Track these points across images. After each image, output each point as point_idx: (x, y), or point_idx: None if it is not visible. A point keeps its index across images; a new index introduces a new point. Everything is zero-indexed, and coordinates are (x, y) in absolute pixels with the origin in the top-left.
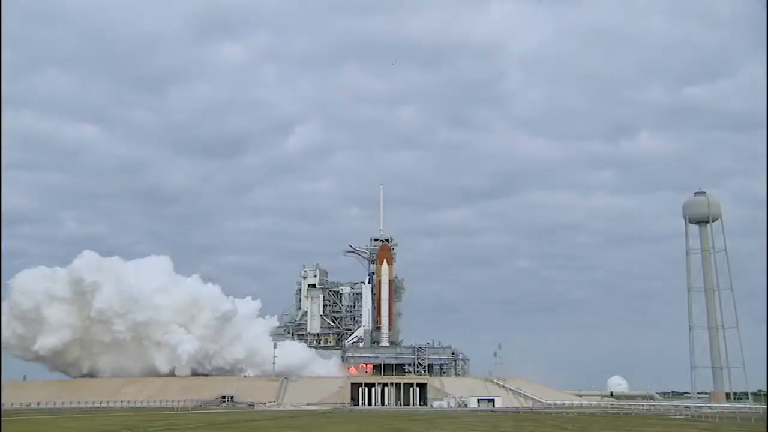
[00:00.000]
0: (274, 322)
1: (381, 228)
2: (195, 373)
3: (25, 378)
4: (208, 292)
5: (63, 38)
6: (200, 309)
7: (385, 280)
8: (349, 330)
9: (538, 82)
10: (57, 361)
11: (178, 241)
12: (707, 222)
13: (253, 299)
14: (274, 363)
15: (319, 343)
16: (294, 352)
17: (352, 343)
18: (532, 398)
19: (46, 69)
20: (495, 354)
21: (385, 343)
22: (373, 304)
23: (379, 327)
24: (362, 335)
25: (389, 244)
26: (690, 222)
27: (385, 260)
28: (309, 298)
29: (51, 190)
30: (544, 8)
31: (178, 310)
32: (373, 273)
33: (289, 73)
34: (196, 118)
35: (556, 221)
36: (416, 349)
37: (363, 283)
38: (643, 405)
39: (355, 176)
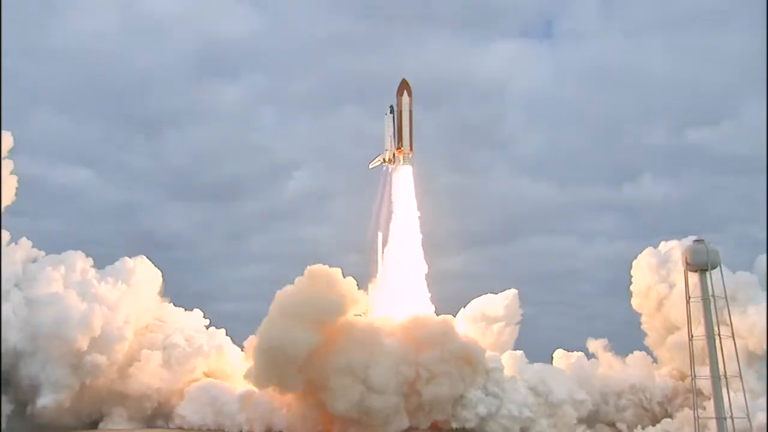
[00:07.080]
0: None
1: (377, 275)
2: None
3: None
4: None
5: (55, 78)
6: None
7: (405, 108)
8: None
9: (539, 124)
10: None
11: (174, 289)
12: (706, 270)
13: None
14: None
15: None
16: None
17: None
18: None
19: (38, 109)
20: None
21: (406, 163)
22: (394, 130)
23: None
24: (385, 159)
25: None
26: (689, 270)
27: (405, 92)
28: None
29: (43, 236)
30: (546, 48)
31: None
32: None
33: (287, 116)
34: (194, 162)
35: (556, 268)
36: None
37: (386, 114)
38: None
39: (354, 222)
